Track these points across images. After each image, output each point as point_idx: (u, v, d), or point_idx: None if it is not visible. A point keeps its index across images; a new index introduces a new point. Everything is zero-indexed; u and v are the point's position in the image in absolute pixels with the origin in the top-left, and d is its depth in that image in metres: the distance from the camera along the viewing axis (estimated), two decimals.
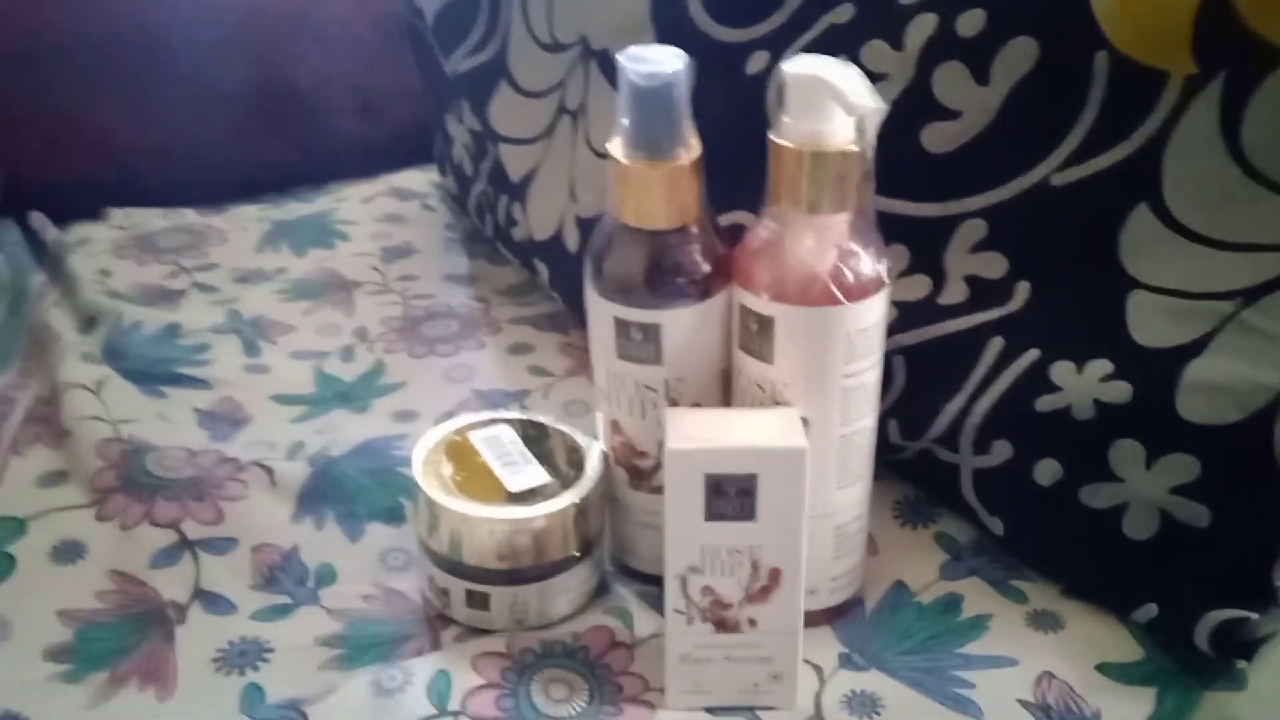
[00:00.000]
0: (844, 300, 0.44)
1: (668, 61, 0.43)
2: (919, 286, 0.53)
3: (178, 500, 0.56)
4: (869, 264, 0.45)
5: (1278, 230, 0.45)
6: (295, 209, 0.91)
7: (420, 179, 0.96)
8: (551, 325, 0.74)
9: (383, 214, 0.90)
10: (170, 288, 0.78)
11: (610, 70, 0.66)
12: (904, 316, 0.54)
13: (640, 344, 0.47)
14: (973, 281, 0.52)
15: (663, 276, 0.46)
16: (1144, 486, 0.48)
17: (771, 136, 0.44)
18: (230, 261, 0.82)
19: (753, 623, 0.45)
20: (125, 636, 0.49)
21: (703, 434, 0.44)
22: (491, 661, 0.48)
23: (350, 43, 1.01)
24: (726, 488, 0.43)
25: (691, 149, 0.45)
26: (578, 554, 0.50)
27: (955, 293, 0.53)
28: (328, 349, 0.71)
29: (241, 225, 0.88)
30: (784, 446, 0.43)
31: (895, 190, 0.52)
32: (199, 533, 0.55)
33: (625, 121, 0.44)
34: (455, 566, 0.50)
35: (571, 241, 0.69)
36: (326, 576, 0.53)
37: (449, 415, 0.64)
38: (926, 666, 0.48)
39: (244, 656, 0.48)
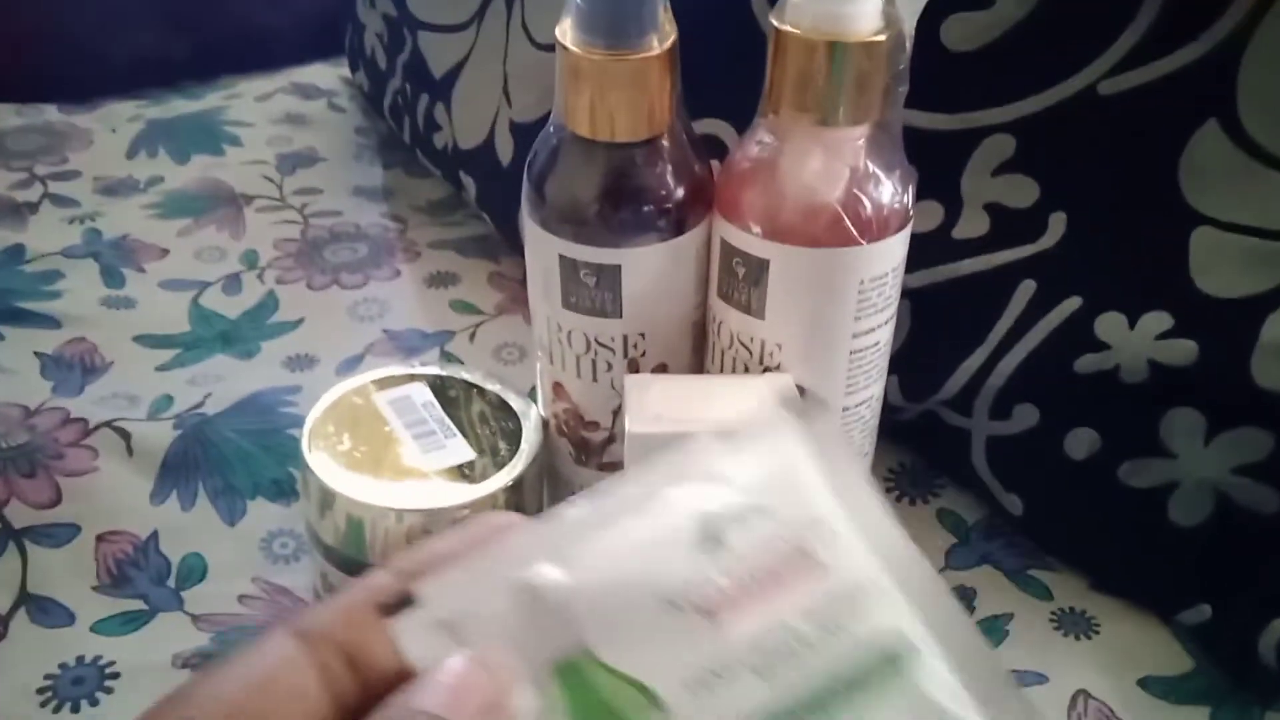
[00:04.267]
0: (859, 238, 0.34)
1: None
2: (929, 215, 0.44)
3: (2, 475, 0.45)
4: (891, 192, 0.35)
5: None
6: (177, 106, 0.78)
7: (328, 74, 0.84)
8: (479, 250, 0.63)
9: (282, 114, 0.78)
10: (17, 200, 0.66)
11: None
12: (911, 252, 0.44)
13: (593, 290, 0.36)
14: (995, 211, 0.43)
15: (624, 204, 0.36)
16: (1200, 464, 0.40)
17: (773, 19, 0.33)
18: (94, 169, 0.69)
19: None
20: None
21: (674, 411, 0.34)
22: None
23: None
24: None
25: (665, 35, 0.34)
26: None
27: (974, 224, 0.43)
28: (208, 278, 0.60)
29: (111, 125, 0.75)
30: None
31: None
32: (28, 518, 0.44)
33: None
34: (353, 564, 0.39)
35: (504, 151, 0.58)
36: (193, 571, 0.43)
37: (354, 361, 0.54)
38: None
39: (79, 685, 0.38)
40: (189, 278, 0.60)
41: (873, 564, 0.22)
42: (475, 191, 0.62)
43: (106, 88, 0.81)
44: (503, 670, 0.20)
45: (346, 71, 0.82)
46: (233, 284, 0.59)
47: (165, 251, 0.62)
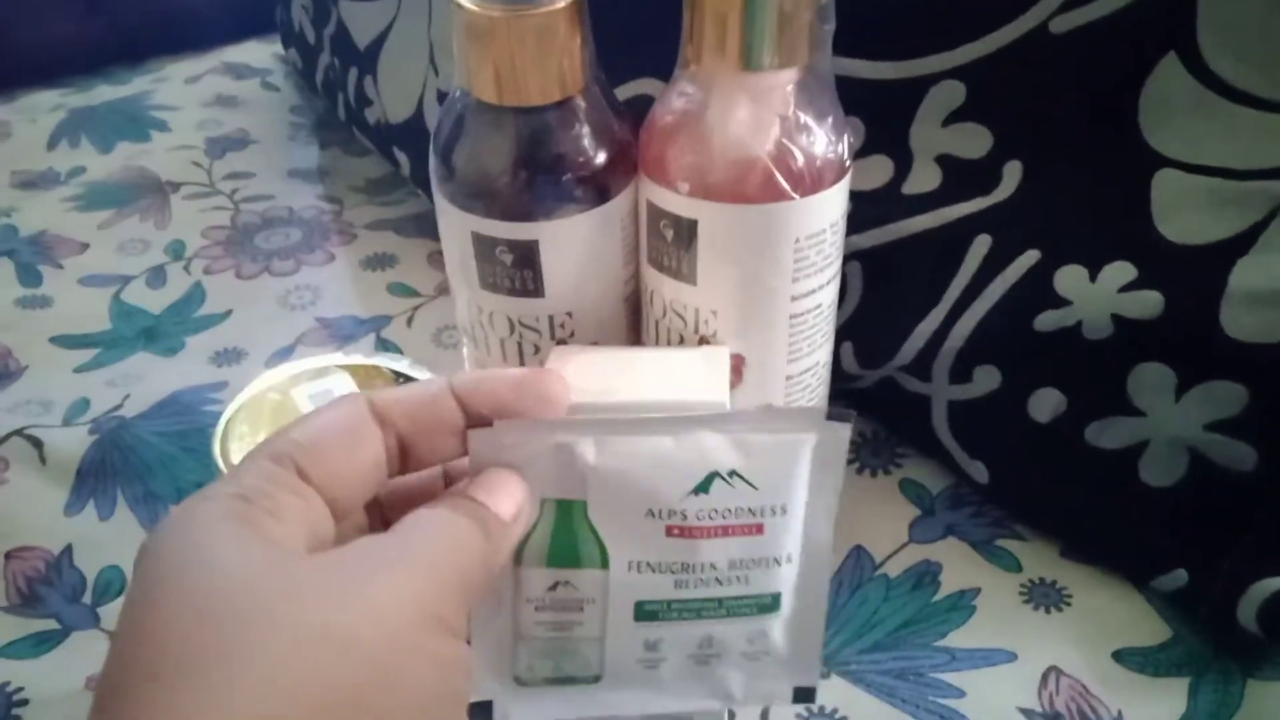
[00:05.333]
0: (792, 193, 0.31)
1: None
2: (878, 171, 0.41)
3: None
4: (825, 141, 0.32)
5: None
6: (102, 93, 0.75)
7: (261, 52, 0.81)
8: (418, 229, 0.60)
9: (213, 96, 0.74)
10: None
11: None
12: (859, 210, 0.41)
13: (511, 268, 0.34)
14: (947, 163, 0.40)
15: (539, 174, 0.33)
16: (1171, 422, 0.38)
17: None
18: (12, 163, 0.66)
19: None
20: None
21: (592, 383, 0.31)
22: None
23: None
24: None
25: None
26: None
27: (925, 178, 0.41)
28: (131, 272, 0.57)
29: (31, 116, 0.71)
30: (692, 401, 0.31)
31: (844, 46, 0.40)
32: None
33: None
34: None
35: (435, 123, 0.55)
36: (111, 585, 0.40)
37: (285, 352, 0.51)
38: (900, 668, 0.37)
39: None
40: (110, 272, 0.57)
41: (796, 547, 0.30)
42: (409, 167, 0.59)
43: (27, 78, 0.77)
44: (532, 488, 0.27)
45: (280, 48, 0.79)
46: (157, 277, 0.56)
47: (85, 246, 0.59)
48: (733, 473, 0.29)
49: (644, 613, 0.30)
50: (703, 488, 0.29)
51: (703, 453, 0.29)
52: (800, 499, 0.30)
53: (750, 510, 0.29)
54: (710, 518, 0.29)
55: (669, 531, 0.29)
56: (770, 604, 0.30)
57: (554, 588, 0.29)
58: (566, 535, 0.29)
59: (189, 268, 0.57)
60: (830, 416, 0.29)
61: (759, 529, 0.29)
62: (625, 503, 0.29)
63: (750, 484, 0.29)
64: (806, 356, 0.35)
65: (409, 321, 0.53)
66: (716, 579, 0.30)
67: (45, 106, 0.73)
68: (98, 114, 0.71)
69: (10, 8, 0.80)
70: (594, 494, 0.29)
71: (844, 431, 0.29)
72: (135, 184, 0.64)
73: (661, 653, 0.30)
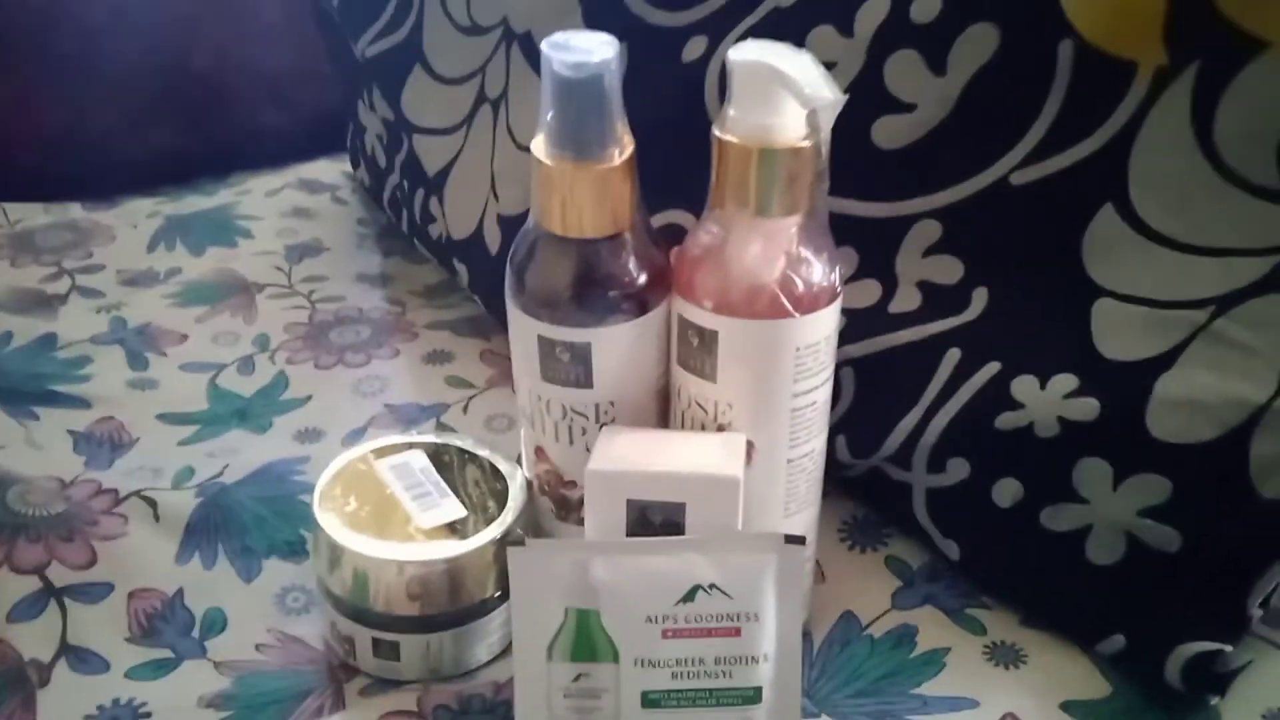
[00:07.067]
0: (794, 312, 0.40)
1: (597, 49, 0.38)
2: (868, 292, 0.49)
3: (43, 541, 0.50)
4: (821, 272, 0.40)
5: (1251, 233, 0.42)
6: (193, 203, 0.84)
7: (332, 170, 0.90)
8: (472, 330, 0.69)
9: (290, 208, 0.84)
10: (48, 292, 0.71)
11: (534, 54, 0.61)
12: (853, 325, 0.49)
13: (568, 365, 0.42)
14: (926, 287, 0.48)
15: (593, 291, 0.41)
16: (1110, 508, 0.44)
17: (715, 131, 0.39)
18: (118, 262, 0.75)
19: None
20: None
21: (631, 456, 0.40)
22: None
23: (255, 22, 0.94)
24: (651, 516, 0.39)
25: (624, 147, 0.40)
26: (499, 595, 0.45)
27: (907, 299, 0.49)
28: (224, 360, 0.65)
29: (132, 221, 0.81)
30: (714, 475, 0.39)
31: (843, 189, 0.48)
32: (67, 578, 0.48)
33: (549, 117, 0.39)
34: (360, 612, 0.44)
35: (493, 241, 0.64)
36: (215, 623, 0.47)
37: (358, 433, 0.59)
38: (880, 710, 0.44)
39: None
40: (207, 360, 0.65)
41: (771, 646, 0.39)
42: (467, 277, 0.68)
43: (127, 186, 0.87)
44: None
45: (348, 167, 0.89)
46: (246, 365, 0.65)
47: (185, 336, 0.67)
48: (712, 585, 0.38)
49: (648, 701, 0.38)
50: (688, 597, 0.37)
51: (687, 569, 0.37)
52: (770, 608, 0.38)
53: (728, 616, 0.38)
54: (697, 621, 0.38)
55: (664, 634, 0.38)
56: (753, 696, 0.39)
57: (577, 679, 0.38)
58: (585, 637, 0.37)
59: (274, 358, 0.65)
60: (788, 540, 0.38)
61: (737, 632, 0.38)
62: (629, 609, 0.37)
63: (726, 594, 0.38)
64: (805, 444, 0.43)
65: (464, 409, 0.61)
66: (705, 673, 0.38)
67: (144, 212, 0.82)
68: (190, 221, 0.81)
69: (115, 124, 0.91)
70: (604, 603, 0.37)
71: (801, 553, 0.38)
72: (225, 284, 0.73)
73: None
